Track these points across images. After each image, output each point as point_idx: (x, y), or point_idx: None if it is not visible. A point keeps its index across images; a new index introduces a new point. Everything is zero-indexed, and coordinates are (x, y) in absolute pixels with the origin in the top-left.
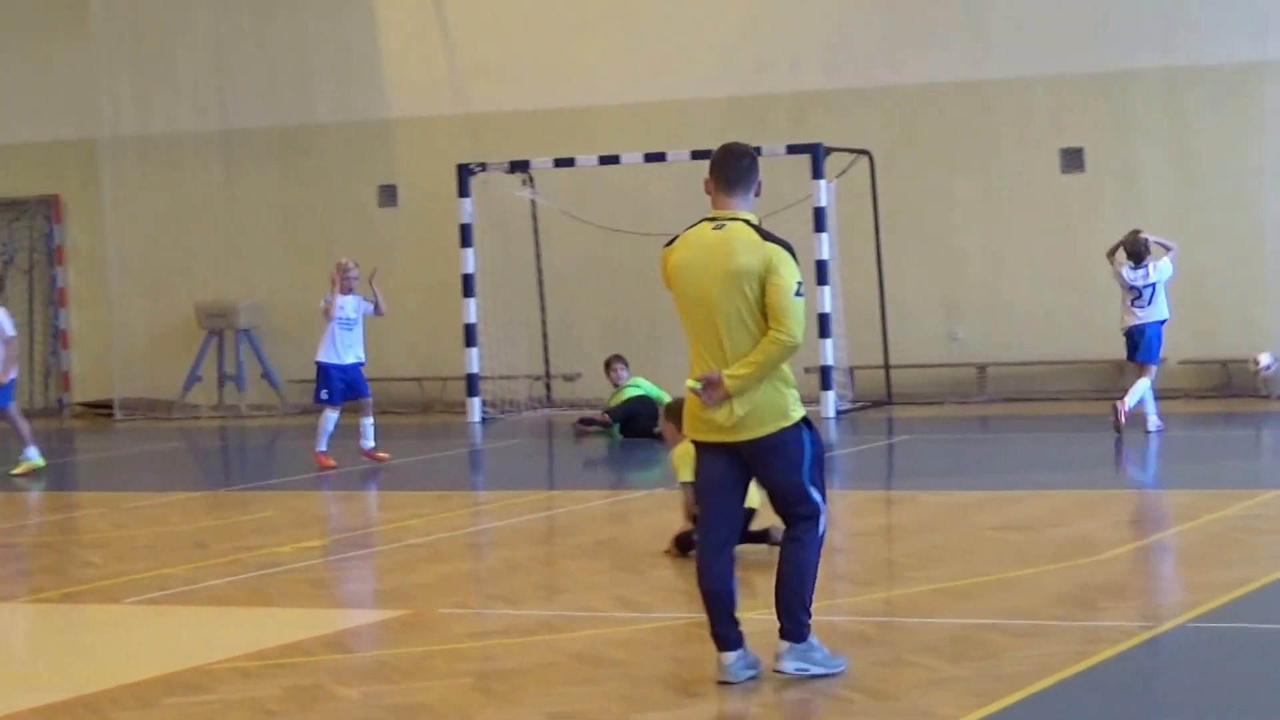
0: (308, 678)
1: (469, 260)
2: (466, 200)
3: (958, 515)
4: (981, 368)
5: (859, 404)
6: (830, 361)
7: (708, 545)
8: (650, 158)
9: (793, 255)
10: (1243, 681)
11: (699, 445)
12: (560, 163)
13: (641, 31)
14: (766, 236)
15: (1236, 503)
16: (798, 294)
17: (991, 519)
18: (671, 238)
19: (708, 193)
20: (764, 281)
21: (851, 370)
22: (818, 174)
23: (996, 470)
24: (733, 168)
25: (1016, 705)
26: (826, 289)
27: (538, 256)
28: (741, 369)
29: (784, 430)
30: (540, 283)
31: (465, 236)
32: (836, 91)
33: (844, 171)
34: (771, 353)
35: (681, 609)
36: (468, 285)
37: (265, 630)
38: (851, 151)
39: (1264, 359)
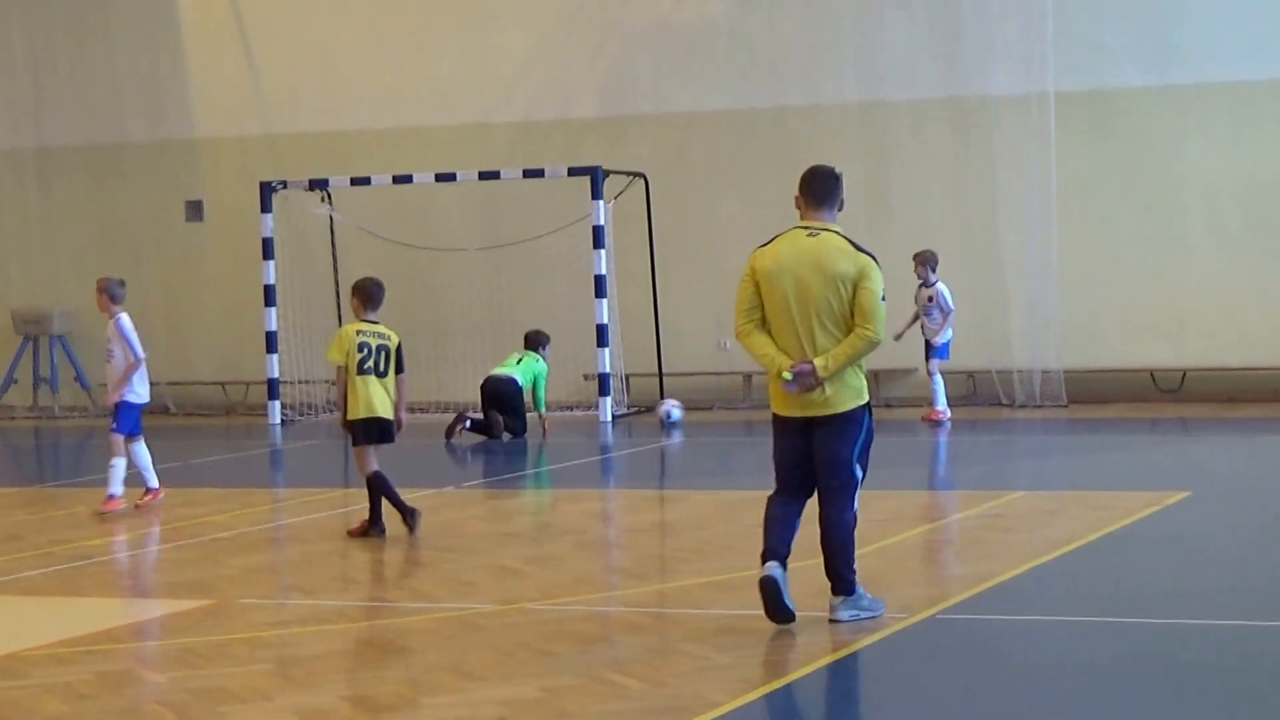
0: (117, 663)
1: (270, 272)
2: (268, 216)
3: (726, 512)
4: (748, 376)
5: (634, 409)
6: (607, 369)
7: (774, 505)
8: (441, 178)
9: (879, 266)
10: (985, 667)
11: (781, 421)
12: (356, 181)
13: (433, 60)
14: (858, 248)
15: (982, 503)
16: (882, 299)
17: (757, 516)
18: (766, 241)
19: (798, 208)
20: (856, 285)
21: (627, 377)
22: (596, 195)
23: (761, 471)
24: (820, 186)
25: (779, 691)
26: (604, 302)
27: (335, 269)
28: (832, 360)
29: (856, 409)
30: (337, 294)
31: (267, 250)
32: (614, 119)
33: (621, 193)
34: (859, 347)
35: (467, 600)
36: (269, 295)
37: (77, 619)
38: (628, 174)
39: (670, 410)
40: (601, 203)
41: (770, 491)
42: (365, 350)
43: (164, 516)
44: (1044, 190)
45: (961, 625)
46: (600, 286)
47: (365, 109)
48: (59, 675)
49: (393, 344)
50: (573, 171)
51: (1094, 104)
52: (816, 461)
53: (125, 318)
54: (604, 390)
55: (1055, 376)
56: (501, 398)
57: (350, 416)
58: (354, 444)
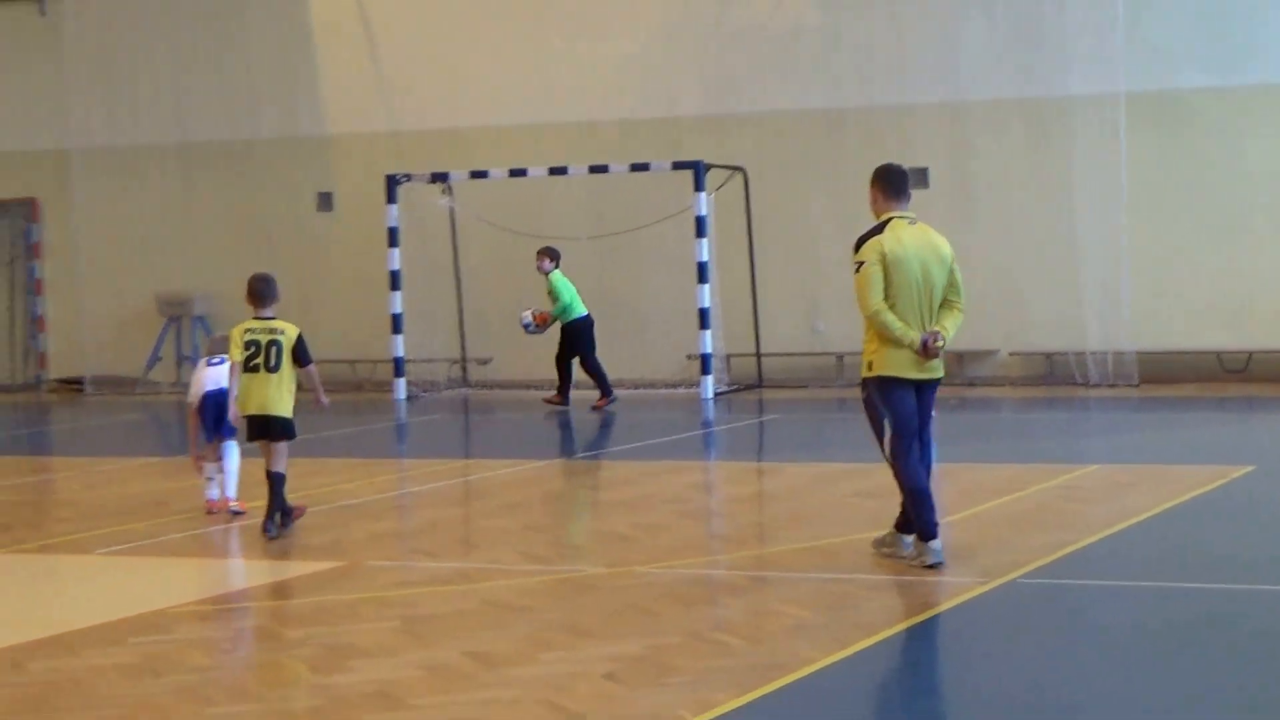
0: (255, 620)
1: (395, 258)
2: (393, 206)
3: (820, 484)
4: (840, 356)
5: (734, 387)
6: (709, 350)
7: (912, 456)
8: (553, 171)
9: None
10: (1062, 629)
11: (903, 383)
12: (475, 175)
13: (546, 61)
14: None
15: (1059, 476)
16: None
17: (850, 487)
18: (872, 230)
19: (874, 203)
20: (951, 265)
21: (728, 358)
22: (699, 187)
23: (853, 445)
24: (900, 180)
25: (868, 649)
26: (706, 287)
27: (455, 256)
28: (950, 330)
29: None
30: (457, 278)
31: (392, 238)
32: (715, 117)
33: (721, 186)
34: (959, 318)
35: (579, 563)
36: (394, 280)
37: (218, 579)
38: (728, 169)
39: (524, 316)
40: (703, 195)
41: (883, 457)
42: (253, 347)
43: (298, 485)
44: (1115, 185)
45: (1040, 590)
46: (702, 273)
47: (483, 108)
48: (201, 631)
49: (287, 338)
50: (676, 166)
51: (1163, 104)
52: (922, 417)
53: None
54: (706, 369)
55: (1127, 358)
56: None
57: (241, 411)
58: (248, 439)
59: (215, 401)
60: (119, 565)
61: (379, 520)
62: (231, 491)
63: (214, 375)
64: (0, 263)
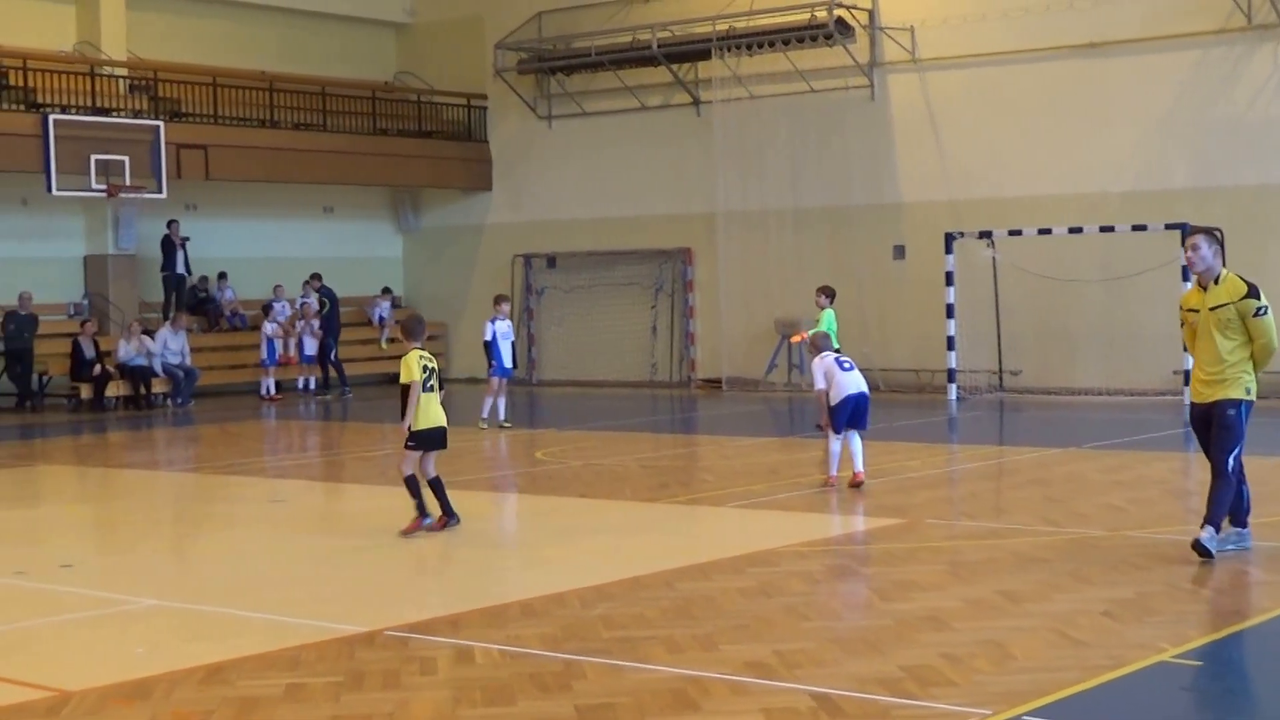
0: (840, 559)
1: (950, 295)
2: (950, 256)
3: (1269, 473)
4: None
5: None
6: (1189, 366)
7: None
8: (1072, 230)
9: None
10: None
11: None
12: (1012, 233)
13: (1068, 145)
14: None
15: None
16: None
17: None
18: (1248, 279)
19: (1213, 256)
20: None
21: None
22: (1184, 244)
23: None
24: (1219, 239)
25: None
26: None
27: (995, 292)
28: None
29: None
30: (996, 309)
31: (948, 280)
32: (1198, 189)
33: None
34: None
35: (1084, 527)
36: (949, 310)
37: (813, 528)
38: (1207, 230)
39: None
40: None
41: (1229, 463)
42: (427, 372)
43: (876, 462)
44: None
45: None
46: None
47: (1019, 181)
48: (800, 566)
49: (437, 365)
50: (1167, 226)
51: None
52: None
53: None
54: (1187, 381)
55: None
56: None
57: (417, 427)
58: (415, 448)
59: (855, 401)
60: (743, 515)
61: (934, 489)
62: (859, 465)
63: (854, 380)
64: (665, 294)
